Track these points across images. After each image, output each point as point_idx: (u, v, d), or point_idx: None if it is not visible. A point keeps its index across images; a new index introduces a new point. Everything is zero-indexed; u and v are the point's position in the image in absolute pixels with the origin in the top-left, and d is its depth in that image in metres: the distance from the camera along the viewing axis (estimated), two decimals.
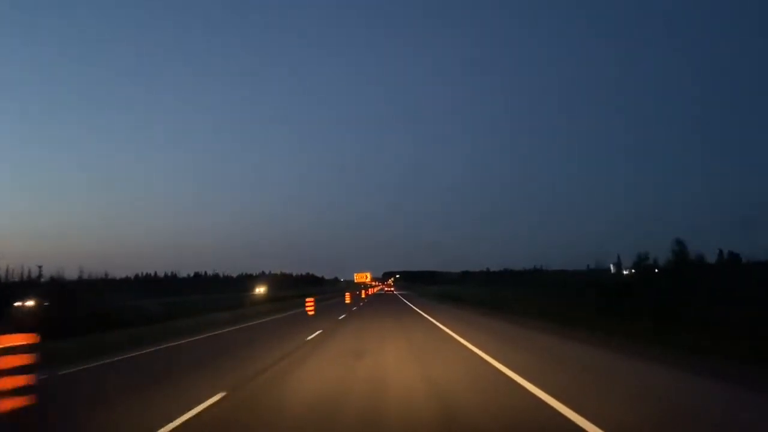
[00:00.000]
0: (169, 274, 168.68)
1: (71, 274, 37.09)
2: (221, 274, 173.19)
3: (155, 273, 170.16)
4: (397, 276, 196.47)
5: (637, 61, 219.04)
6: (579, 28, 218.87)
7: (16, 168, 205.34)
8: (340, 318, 26.23)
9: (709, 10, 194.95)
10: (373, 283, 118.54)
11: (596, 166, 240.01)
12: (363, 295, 73.46)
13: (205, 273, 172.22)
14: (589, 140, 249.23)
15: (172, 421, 6.02)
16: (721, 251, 42.83)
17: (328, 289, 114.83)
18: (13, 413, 6.55)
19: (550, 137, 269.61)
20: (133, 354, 14.08)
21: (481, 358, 10.31)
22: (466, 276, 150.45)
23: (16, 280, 37.19)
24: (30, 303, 27.55)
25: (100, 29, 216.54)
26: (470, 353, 11.13)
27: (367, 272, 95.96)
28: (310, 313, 30.21)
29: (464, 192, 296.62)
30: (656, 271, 25.04)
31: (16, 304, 27.27)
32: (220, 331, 21.04)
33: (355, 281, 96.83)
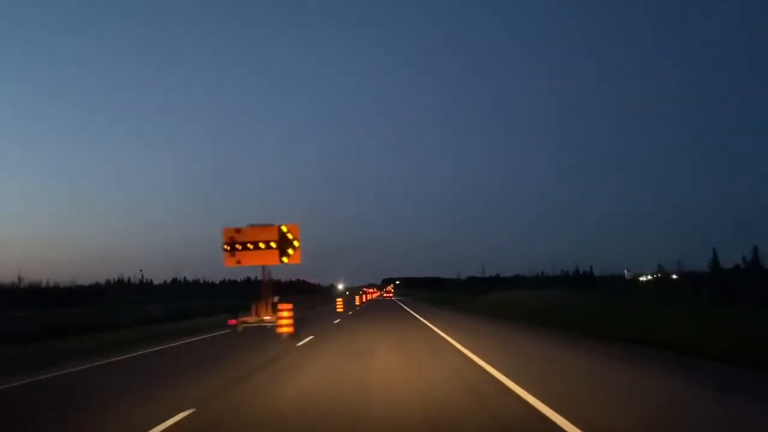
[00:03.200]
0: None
1: None
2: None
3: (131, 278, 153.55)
4: (397, 282, 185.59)
5: (635, 64, 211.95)
6: (578, 30, 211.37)
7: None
8: (301, 343, 16.04)
9: (699, 11, 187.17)
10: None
11: (598, 170, 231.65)
12: (357, 303, 63.32)
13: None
14: (588, 145, 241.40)
15: None
16: None
17: (318, 297, 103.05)
18: None
19: (552, 142, 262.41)
20: None
21: None
22: (470, 282, 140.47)
23: None
24: None
25: (95, 34, 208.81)
26: None
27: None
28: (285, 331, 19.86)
29: (466, 196, 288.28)
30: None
31: None
32: None
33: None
